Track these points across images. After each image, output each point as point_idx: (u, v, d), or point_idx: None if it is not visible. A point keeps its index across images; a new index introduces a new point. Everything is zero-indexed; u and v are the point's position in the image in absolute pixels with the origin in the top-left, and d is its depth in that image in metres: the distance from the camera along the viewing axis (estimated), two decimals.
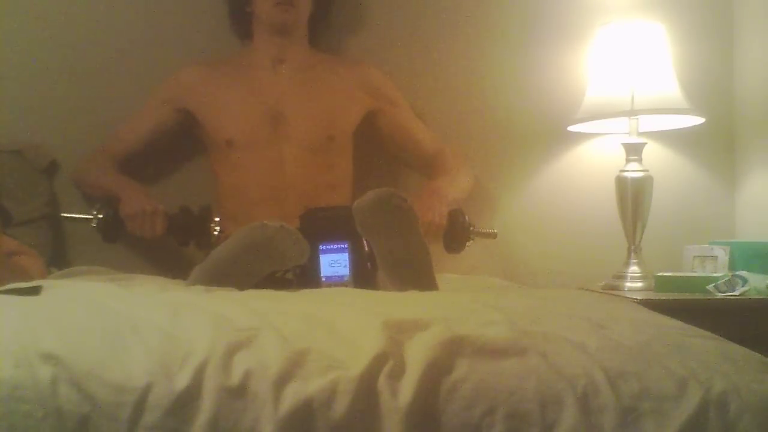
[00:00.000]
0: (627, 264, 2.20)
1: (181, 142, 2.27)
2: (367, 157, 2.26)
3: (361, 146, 2.24)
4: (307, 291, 1.57)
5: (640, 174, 2.20)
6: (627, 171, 2.21)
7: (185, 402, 0.95)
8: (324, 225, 1.83)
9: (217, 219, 2.06)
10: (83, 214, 2.12)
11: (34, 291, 1.29)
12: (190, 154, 2.31)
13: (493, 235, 2.20)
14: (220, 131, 2.13)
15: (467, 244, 2.12)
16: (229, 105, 2.14)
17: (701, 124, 2.25)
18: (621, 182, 2.22)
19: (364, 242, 1.77)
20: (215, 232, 2.05)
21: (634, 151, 2.22)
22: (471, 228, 2.11)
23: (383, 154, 2.32)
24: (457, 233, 2.09)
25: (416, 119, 2.29)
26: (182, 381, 0.96)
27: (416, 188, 2.31)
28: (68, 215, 2.17)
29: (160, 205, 2.03)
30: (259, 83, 2.17)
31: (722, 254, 2.14)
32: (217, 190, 2.18)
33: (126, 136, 2.22)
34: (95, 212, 2.06)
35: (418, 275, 1.65)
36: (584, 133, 2.37)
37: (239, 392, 0.96)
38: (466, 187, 2.26)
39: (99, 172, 2.18)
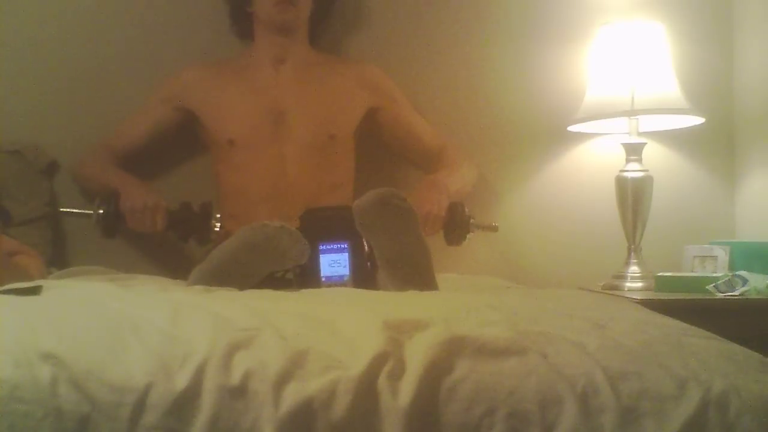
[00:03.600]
0: (627, 264, 2.20)
1: (181, 141, 2.27)
2: (367, 157, 2.26)
3: (363, 146, 2.24)
4: (307, 291, 1.57)
5: (640, 174, 2.20)
6: (627, 171, 2.21)
7: (185, 402, 0.95)
8: (324, 225, 1.82)
9: (218, 216, 2.08)
10: (82, 209, 2.13)
11: (34, 291, 1.29)
12: (191, 153, 2.31)
13: (494, 228, 2.22)
14: (221, 131, 2.14)
15: (468, 236, 2.13)
16: (230, 105, 2.15)
17: (701, 124, 2.25)
18: (621, 182, 2.22)
19: (364, 242, 1.77)
20: (216, 228, 2.06)
21: (634, 151, 2.22)
22: (471, 220, 2.12)
23: (385, 152, 2.32)
24: (456, 225, 2.09)
25: (417, 115, 2.29)
26: (182, 381, 0.96)
27: (416, 187, 2.31)
28: (67, 210, 2.18)
29: (161, 200, 2.04)
30: (260, 83, 2.17)
31: (722, 254, 2.14)
32: (218, 190, 2.18)
33: (126, 132, 2.22)
34: (96, 207, 2.05)
35: (418, 275, 1.64)
36: (584, 133, 2.37)
37: (239, 392, 0.96)
38: (468, 180, 2.26)
39: (98, 167, 2.18)
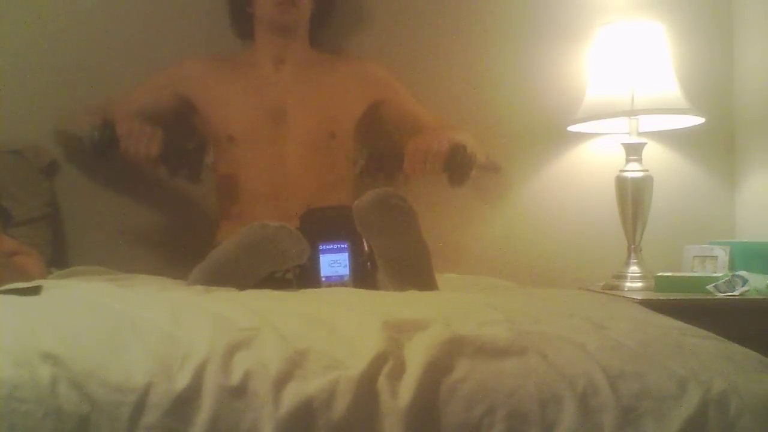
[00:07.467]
0: (627, 264, 2.20)
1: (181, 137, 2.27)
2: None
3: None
4: (307, 291, 1.57)
5: (640, 174, 2.20)
6: (627, 171, 2.21)
7: (185, 402, 0.95)
8: (324, 225, 1.82)
9: (211, 154, 2.04)
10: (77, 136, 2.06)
11: (34, 291, 1.29)
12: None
13: (498, 168, 2.16)
14: (221, 126, 2.13)
15: (470, 176, 2.03)
16: (230, 101, 2.14)
17: (701, 124, 2.25)
18: (621, 182, 2.22)
19: (364, 242, 1.77)
20: (208, 165, 2.03)
21: (634, 151, 2.22)
22: (474, 159, 2.03)
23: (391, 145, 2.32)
24: (458, 163, 2.00)
25: (418, 104, 2.28)
26: (182, 381, 0.96)
27: (416, 188, 2.31)
28: (63, 130, 2.07)
29: (158, 128, 1.99)
30: (261, 81, 2.17)
31: (722, 254, 2.14)
32: (217, 188, 2.18)
33: (120, 101, 2.16)
34: (90, 131, 1.99)
35: (418, 275, 1.65)
36: (584, 133, 2.37)
37: (239, 392, 0.96)
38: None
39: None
